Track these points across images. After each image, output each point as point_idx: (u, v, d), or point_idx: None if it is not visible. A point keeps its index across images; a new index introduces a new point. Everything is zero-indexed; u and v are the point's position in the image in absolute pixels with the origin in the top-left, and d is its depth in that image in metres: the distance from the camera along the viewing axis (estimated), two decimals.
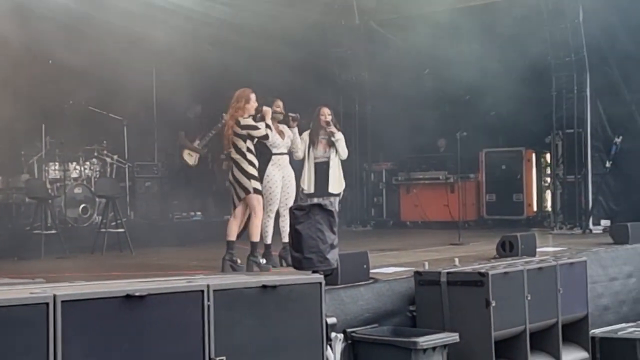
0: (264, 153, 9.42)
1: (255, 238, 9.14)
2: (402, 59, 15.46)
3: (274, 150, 9.51)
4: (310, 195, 9.94)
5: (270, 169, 9.46)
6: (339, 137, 10.28)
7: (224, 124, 13.48)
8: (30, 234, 11.65)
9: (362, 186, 17.51)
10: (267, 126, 9.27)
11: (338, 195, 10.34)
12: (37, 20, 12.15)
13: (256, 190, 9.13)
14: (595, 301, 9.70)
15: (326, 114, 10.30)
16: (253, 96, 9.27)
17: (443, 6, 14.95)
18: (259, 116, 9.27)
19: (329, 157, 10.31)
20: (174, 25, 14.40)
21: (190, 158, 15.23)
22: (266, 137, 9.24)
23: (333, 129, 10.25)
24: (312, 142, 10.26)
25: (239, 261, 9.13)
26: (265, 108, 9.34)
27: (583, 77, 14.40)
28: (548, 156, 15.74)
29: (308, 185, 10.10)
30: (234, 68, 14.56)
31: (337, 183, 10.34)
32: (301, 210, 6.72)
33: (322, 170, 10.22)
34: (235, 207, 9.27)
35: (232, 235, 9.23)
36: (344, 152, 10.36)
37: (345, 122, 16.86)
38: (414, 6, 15.14)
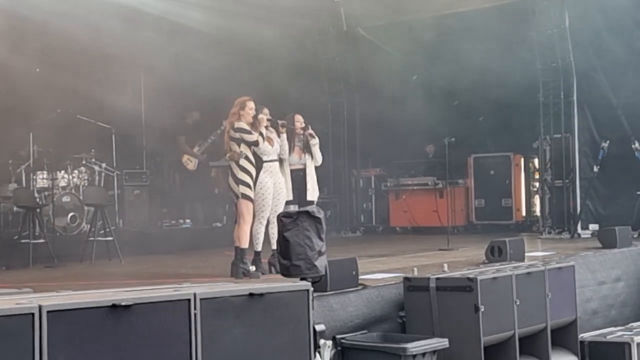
0: (256, 161, 9.42)
1: (244, 244, 9.14)
2: (390, 65, 15.47)
3: (265, 158, 9.51)
4: (288, 203, 9.86)
5: (262, 176, 9.46)
6: (316, 142, 10.26)
7: (223, 130, 13.57)
8: (18, 243, 11.57)
9: (351, 192, 17.50)
10: (261, 134, 9.31)
11: (313, 202, 10.27)
12: (24, 29, 12.12)
13: (244, 196, 9.15)
14: (584, 305, 9.72)
15: (301, 120, 10.30)
16: (250, 104, 9.33)
17: (430, 13, 14.98)
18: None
19: (304, 164, 10.28)
20: (164, 33, 14.43)
21: (190, 163, 15.22)
22: (256, 143, 9.26)
23: (312, 132, 10.23)
24: (290, 149, 10.21)
25: (252, 268, 9.11)
26: (260, 116, 9.39)
27: (570, 82, 14.44)
28: (536, 161, 15.75)
29: (287, 193, 10.00)
30: (225, 74, 14.54)
31: (314, 190, 10.30)
32: (289, 218, 6.70)
33: (298, 177, 10.18)
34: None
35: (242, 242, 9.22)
36: (320, 157, 10.33)
37: (334, 129, 16.93)
38: (402, 13, 15.16)
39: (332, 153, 16.47)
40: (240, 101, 9.36)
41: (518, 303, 7.82)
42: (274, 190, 9.53)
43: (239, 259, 9.12)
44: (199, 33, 14.45)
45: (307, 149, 10.25)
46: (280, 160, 9.88)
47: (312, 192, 10.24)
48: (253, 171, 9.28)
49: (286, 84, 14.41)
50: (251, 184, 9.23)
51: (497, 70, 14.28)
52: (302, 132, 10.22)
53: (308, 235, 6.61)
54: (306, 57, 16.09)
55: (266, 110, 9.70)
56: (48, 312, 4.49)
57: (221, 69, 14.83)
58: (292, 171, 10.12)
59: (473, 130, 15.92)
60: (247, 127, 9.26)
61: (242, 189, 9.16)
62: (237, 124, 9.24)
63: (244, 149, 9.22)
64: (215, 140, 15.09)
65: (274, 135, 9.74)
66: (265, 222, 9.49)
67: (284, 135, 9.88)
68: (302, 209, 7.51)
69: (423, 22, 15.12)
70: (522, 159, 16.17)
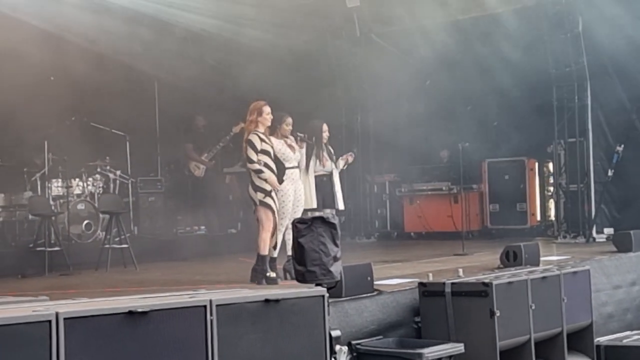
0: (279, 168, 9.38)
1: (263, 251, 9.12)
2: (404, 70, 15.45)
3: (287, 164, 9.48)
4: (312, 211, 9.85)
5: (284, 183, 9.42)
6: (344, 166, 10.43)
7: (232, 137, 13.57)
8: (33, 251, 11.62)
9: (366, 198, 17.47)
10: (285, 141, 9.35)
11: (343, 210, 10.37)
12: (39, 38, 12.19)
13: (262, 203, 9.10)
14: (600, 309, 9.67)
15: (327, 129, 10.36)
16: (266, 109, 9.24)
17: (444, 18, 14.96)
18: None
19: (330, 172, 10.30)
20: (177, 41, 14.48)
21: (197, 170, 15.25)
22: (259, 171, 9.09)
23: (349, 157, 10.41)
24: (317, 157, 10.23)
25: (272, 274, 9.10)
26: (284, 126, 9.44)
27: (584, 86, 14.38)
28: (550, 165, 15.71)
29: (310, 200, 9.99)
30: (237, 81, 14.58)
31: (341, 199, 10.36)
32: (304, 224, 6.71)
33: (322, 184, 10.20)
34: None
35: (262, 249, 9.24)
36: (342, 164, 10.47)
37: (348, 134, 16.91)
38: (415, 18, 15.15)
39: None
40: (256, 108, 9.23)
41: (533, 307, 7.80)
42: (294, 198, 9.52)
43: (259, 266, 9.11)
44: (212, 39, 14.51)
45: (331, 157, 10.29)
46: (306, 168, 9.91)
47: (341, 200, 10.31)
48: (270, 178, 9.21)
49: (299, 90, 14.42)
50: (270, 189, 9.17)
51: (511, 75, 14.25)
52: (327, 140, 10.28)
53: (323, 241, 6.63)
54: (319, 63, 16.11)
55: (289, 120, 9.67)
56: (65, 319, 4.51)
57: (232, 74, 14.88)
58: (316, 177, 10.16)
59: (487, 135, 15.90)
60: (256, 144, 9.08)
61: (260, 196, 9.12)
62: (250, 137, 9.11)
63: (261, 157, 9.16)
64: (224, 147, 15.10)
65: (295, 143, 9.75)
66: (284, 230, 9.46)
67: (304, 150, 9.90)
68: (317, 214, 7.54)
69: (436, 27, 15.10)
70: (537, 164, 16.12)
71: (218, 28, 14.28)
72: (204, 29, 14.33)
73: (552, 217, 15.73)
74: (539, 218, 16.13)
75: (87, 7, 12.45)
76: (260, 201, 9.10)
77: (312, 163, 10.15)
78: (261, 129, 9.20)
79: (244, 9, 14.19)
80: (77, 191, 13.61)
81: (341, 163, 10.54)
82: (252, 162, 9.07)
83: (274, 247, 9.29)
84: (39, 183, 13.21)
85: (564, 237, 14.37)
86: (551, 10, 14.33)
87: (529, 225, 15.91)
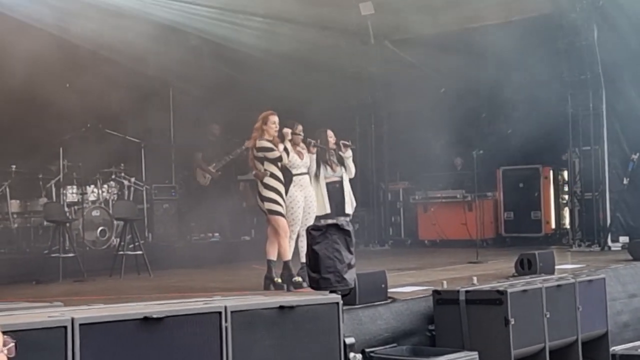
0: (285, 175, 9.43)
1: (285, 257, 9.20)
2: (418, 78, 15.46)
3: (294, 171, 9.54)
4: (325, 217, 9.87)
5: (292, 190, 9.47)
6: (350, 155, 10.32)
7: (243, 150, 13.59)
8: (48, 258, 11.66)
9: (380, 205, 17.48)
10: (285, 148, 9.33)
11: (350, 215, 10.34)
12: (55, 45, 12.25)
13: (271, 212, 9.18)
14: (615, 318, 9.62)
15: (332, 135, 10.39)
16: (273, 118, 9.32)
17: (458, 26, 14.95)
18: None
19: (341, 177, 10.32)
20: (192, 49, 14.54)
21: (203, 179, 15.28)
22: (280, 159, 9.26)
23: (346, 142, 10.29)
24: (325, 163, 10.24)
25: (278, 280, 9.13)
26: (284, 130, 9.41)
27: (599, 94, 14.34)
28: (565, 173, 15.66)
29: (323, 206, 10.02)
30: (252, 89, 14.62)
31: (352, 203, 10.37)
32: (318, 231, 6.71)
33: (334, 190, 10.22)
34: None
35: (270, 255, 9.29)
36: (353, 169, 10.43)
37: (362, 142, 16.90)
38: (429, 26, 15.15)
39: (360, 166, 16.41)
40: (263, 116, 9.35)
41: (548, 316, 7.77)
42: (304, 204, 9.55)
43: (287, 270, 9.19)
44: (225, 47, 14.55)
45: (340, 162, 10.31)
46: (315, 175, 9.94)
47: (350, 205, 10.31)
48: (280, 187, 9.27)
49: (313, 98, 14.44)
50: (278, 199, 9.22)
51: (526, 83, 14.22)
52: (334, 147, 10.28)
53: (337, 248, 6.62)
54: (334, 71, 16.13)
55: (299, 127, 9.72)
56: (80, 324, 4.52)
57: (246, 83, 14.92)
58: (328, 184, 10.17)
59: (501, 143, 15.85)
60: (269, 145, 9.25)
61: (268, 206, 9.20)
62: (258, 143, 9.23)
63: (267, 166, 9.23)
64: (234, 158, 15.10)
65: (305, 149, 9.78)
66: (295, 237, 9.51)
67: (314, 156, 9.93)
68: (331, 221, 7.54)
69: (450, 35, 15.11)
70: (552, 171, 16.08)
71: (233, 36, 14.33)
72: (218, 37, 14.38)
73: (567, 225, 15.67)
74: (553, 226, 16.07)
75: (103, 15, 12.51)
76: (269, 210, 9.18)
77: (322, 170, 10.18)
78: (267, 137, 9.26)
79: (257, 19, 14.24)
80: (92, 198, 13.67)
81: (349, 154, 10.43)
82: (274, 152, 9.18)
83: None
84: (54, 189, 13.27)
85: (579, 245, 14.32)
86: (566, 19, 14.30)
87: (544, 234, 15.86)
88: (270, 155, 9.23)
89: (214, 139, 15.56)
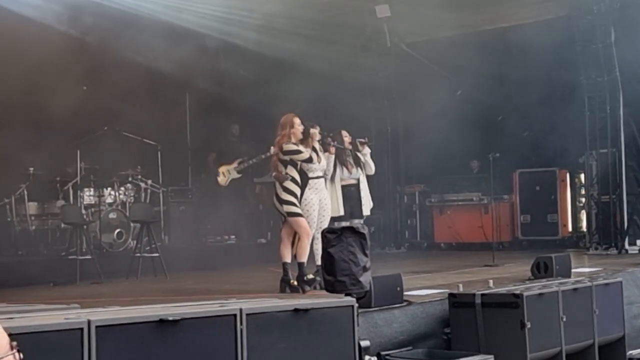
0: (301, 178, 9.43)
1: (302, 257, 9.21)
2: (434, 80, 15.43)
3: (310, 175, 9.51)
4: (339, 219, 9.87)
5: (308, 193, 9.46)
6: (368, 151, 10.33)
7: (269, 156, 13.59)
8: (65, 260, 11.72)
9: (396, 208, 17.46)
10: (313, 149, 9.37)
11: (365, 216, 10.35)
12: (72, 47, 12.32)
13: (291, 214, 9.19)
14: (632, 322, 9.55)
15: (347, 135, 10.38)
16: (297, 120, 9.38)
17: (473, 28, 14.92)
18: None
19: (357, 178, 10.31)
20: (209, 52, 14.57)
21: (223, 178, 15.18)
22: (310, 159, 9.30)
23: (363, 140, 10.30)
24: (342, 164, 10.24)
25: (294, 282, 9.14)
26: (312, 130, 9.44)
27: (616, 96, 14.27)
28: (582, 176, 15.60)
29: (337, 208, 10.01)
30: (267, 92, 14.63)
31: (369, 203, 10.37)
32: (333, 234, 6.72)
33: (349, 193, 10.21)
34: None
35: (284, 257, 9.32)
36: (372, 166, 10.42)
37: (378, 145, 16.82)
38: (445, 28, 15.13)
39: (376, 169, 16.40)
40: (288, 121, 9.36)
41: (565, 319, 7.74)
42: (319, 207, 9.55)
43: (301, 273, 9.20)
44: (243, 51, 14.58)
45: (357, 162, 10.30)
46: (331, 177, 9.94)
47: (368, 206, 10.30)
48: (298, 191, 9.29)
49: (328, 101, 14.45)
50: (295, 201, 9.25)
51: (542, 85, 14.17)
52: (349, 146, 10.27)
53: (352, 251, 6.63)
54: (349, 74, 16.14)
55: (317, 128, 9.73)
56: (97, 327, 4.54)
57: (263, 84, 14.93)
58: (343, 187, 10.16)
59: (518, 146, 15.82)
60: (297, 147, 9.27)
61: (287, 208, 9.23)
62: (285, 147, 9.25)
63: (289, 170, 9.26)
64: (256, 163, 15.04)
65: (321, 152, 9.79)
66: (310, 238, 9.51)
67: (332, 157, 9.94)
68: (346, 224, 7.54)
69: (466, 37, 15.08)
70: (568, 174, 16.02)
71: (249, 39, 14.36)
72: (236, 40, 14.41)
73: (584, 229, 15.60)
74: (570, 229, 16.01)
75: (120, 17, 12.57)
76: (288, 213, 9.21)
77: (338, 171, 10.17)
78: (293, 140, 9.29)
79: (274, 21, 14.26)
80: (109, 200, 13.72)
81: (367, 150, 10.42)
82: (303, 154, 9.25)
83: (295, 256, 9.34)
84: (71, 192, 13.33)
85: (596, 248, 14.25)
86: (583, 21, 14.25)
87: (560, 237, 15.81)
88: (299, 157, 9.26)
89: (234, 139, 15.55)
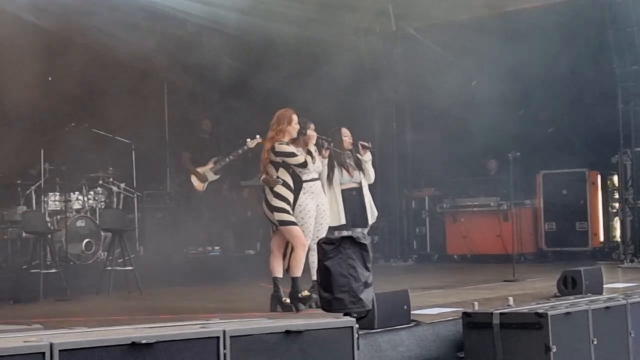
0: (294, 181, 9.38)
1: (296, 272, 9.19)
2: (445, 69, 15.44)
3: (304, 177, 9.44)
4: (339, 229, 9.85)
5: (302, 198, 9.39)
6: (369, 158, 10.27)
7: (245, 150, 13.56)
8: (27, 274, 11.73)
9: (402, 215, 17.50)
10: (309, 152, 9.33)
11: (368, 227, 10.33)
12: (35, 34, 12.31)
13: (283, 223, 9.15)
14: None
15: (348, 134, 10.33)
16: (295, 117, 9.34)
17: (490, 10, 14.94)
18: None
19: (359, 183, 10.28)
20: (190, 35, 14.57)
21: (199, 183, 15.13)
22: (304, 164, 9.23)
23: (365, 143, 10.26)
24: (340, 166, 10.20)
25: (286, 300, 9.13)
26: (309, 132, 9.39)
27: None
28: (615, 178, 15.63)
29: (337, 216, 9.98)
30: (257, 82, 14.63)
31: (372, 212, 10.35)
32: (330, 244, 6.70)
33: (351, 197, 10.19)
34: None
35: (275, 271, 9.30)
36: (372, 174, 10.36)
37: (382, 143, 16.91)
38: (458, 11, 15.15)
39: (380, 170, 16.42)
40: (286, 116, 9.30)
41: (595, 342, 7.74)
42: (316, 214, 9.51)
43: (295, 288, 9.18)
44: (231, 34, 14.56)
45: (358, 165, 10.26)
46: (329, 180, 9.92)
47: (371, 215, 10.28)
48: (290, 196, 9.24)
49: (326, 93, 14.45)
50: (288, 208, 9.21)
51: (569, 75, 14.18)
52: (350, 147, 10.24)
53: (352, 265, 6.62)
54: (350, 62, 16.15)
55: (312, 127, 9.67)
56: (60, 351, 4.55)
57: (252, 74, 14.92)
58: (343, 191, 10.11)
59: (541, 143, 15.85)
60: (291, 149, 9.25)
61: (278, 216, 9.17)
62: (278, 147, 9.19)
63: (281, 173, 9.22)
64: (234, 161, 14.97)
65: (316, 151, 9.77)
66: (306, 250, 9.48)
67: (326, 160, 9.89)
68: (346, 234, 7.54)
69: (482, 20, 15.10)
70: (599, 176, 16.06)
71: (240, 21, 14.32)
72: (223, 22, 14.38)
73: (618, 238, 15.65)
74: (602, 239, 16.05)
75: (88, 2, 12.58)
76: (280, 221, 9.16)
77: (336, 173, 10.12)
78: (286, 139, 9.26)
79: (269, 2, 14.25)
80: (77, 206, 13.74)
81: (368, 157, 10.39)
82: (298, 157, 9.21)
83: (287, 270, 9.31)
84: (34, 197, 13.33)
85: (631, 260, 14.28)
86: (614, 1, 14.24)
87: (591, 247, 15.85)
88: (293, 161, 9.21)
89: (205, 137, 15.47)
